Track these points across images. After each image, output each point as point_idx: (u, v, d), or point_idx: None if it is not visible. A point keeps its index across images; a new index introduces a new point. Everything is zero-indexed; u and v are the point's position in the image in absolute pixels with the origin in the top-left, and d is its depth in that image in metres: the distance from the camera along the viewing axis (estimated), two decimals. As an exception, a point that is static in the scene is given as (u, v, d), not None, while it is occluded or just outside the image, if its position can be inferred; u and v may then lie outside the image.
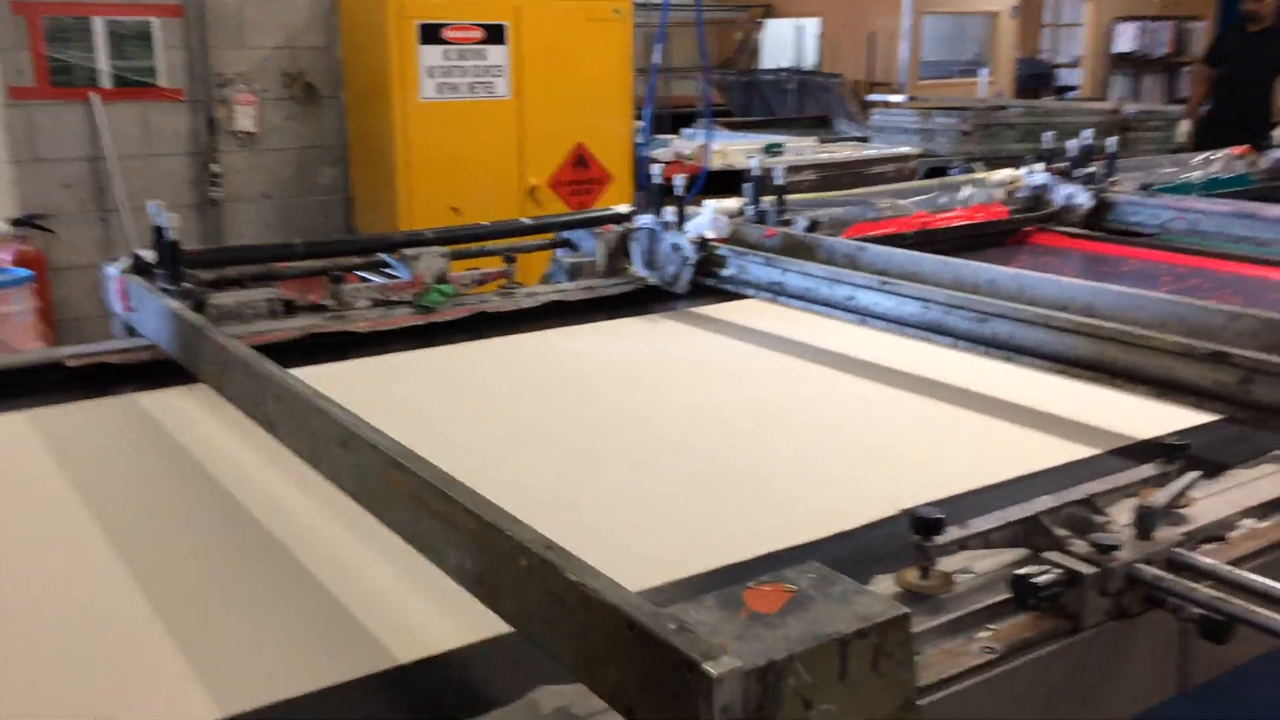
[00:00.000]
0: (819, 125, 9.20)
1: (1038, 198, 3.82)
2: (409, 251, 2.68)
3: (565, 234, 3.11)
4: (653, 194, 2.96)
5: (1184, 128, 7.78)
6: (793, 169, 6.14)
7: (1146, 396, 1.88)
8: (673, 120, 9.57)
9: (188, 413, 2.04)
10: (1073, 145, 3.76)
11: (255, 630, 1.30)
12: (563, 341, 2.64)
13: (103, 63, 5.04)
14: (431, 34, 4.87)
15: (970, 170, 4.63)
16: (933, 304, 2.25)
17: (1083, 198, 3.68)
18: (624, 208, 3.06)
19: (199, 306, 2.17)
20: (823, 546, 1.53)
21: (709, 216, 3.13)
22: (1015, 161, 4.68)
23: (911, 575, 1.25)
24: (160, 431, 1.96)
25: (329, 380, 2.35)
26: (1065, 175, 3.79)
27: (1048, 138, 3.93)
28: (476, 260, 2.91)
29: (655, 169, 2.93)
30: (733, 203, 3.30)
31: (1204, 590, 1.18)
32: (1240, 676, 1.37)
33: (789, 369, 2.38)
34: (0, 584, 1.44)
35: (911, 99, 9.36)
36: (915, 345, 2.29)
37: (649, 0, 5.73)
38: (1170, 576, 1.21)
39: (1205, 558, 1.27)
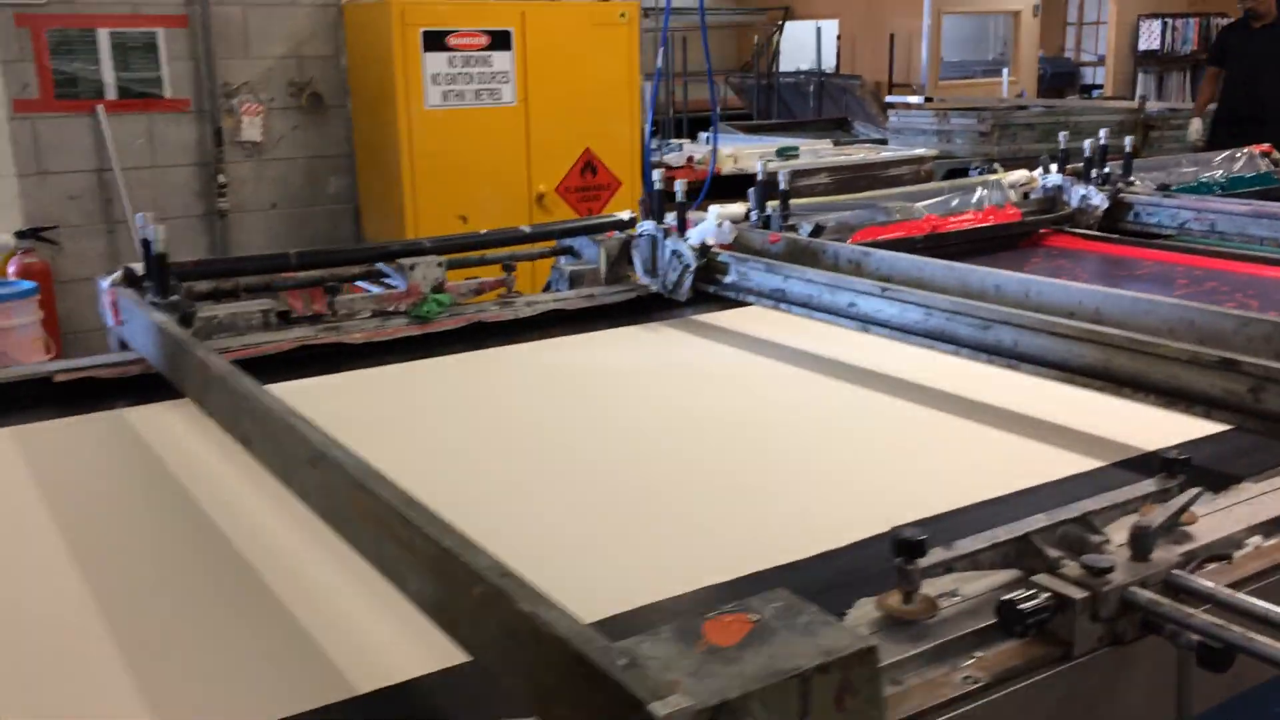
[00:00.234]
0: (837, 128, 9.12)
1: (1052, 199, 3.75)
2: (405, 261, 2.64)
3: (568, 241, 3.07)
4: (655, 200, 2.91)
5: (1195, 126, 7.65)
6: (807, 172, 6.10)
7: (1154, 406, 1.81)
8: (689, 124, 9.53)
9: (172, 428, 2.01)
10: (1088, 145, 3.68)
11: (212, 657, 1.26)
12: (560, 351, 2.60)
13: (108, 74, 5.04)
14: (436, 41, 4.84)
15: (991, 171, 4.54)
16: (935, 310, 2.18)
17: (1098, 199, 3.61)
18: (626, 214, 3.02)
19: (185, 320, 2.14)
20: (811, 566, 1.48)
21: (713, 222, 3.08)
22: (1034, 163, 4.60)
23: (894, 600, 1.19)
24: (143, 448, 1.93)
25: (322, 393, 2.33)
26: (1081, 176, 3.71)
27: (1063, 138, 3.85)
28: (475, 269, 2.87)
29: (656, 174, 2.88)
30: (738, 208, 3.25)
31: (1201, 616, 1.12)
32: (1245, 703, 1.30)
33: (788, 378, 2.33)
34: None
35: (928, 100, 9.25)
36: (919, 353, 2.23)
37: (663, 5, 5.67)
38: (1166, 601, 1.15)
39: (1205, 580, 1.21)
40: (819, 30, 13.32)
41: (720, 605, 1.00)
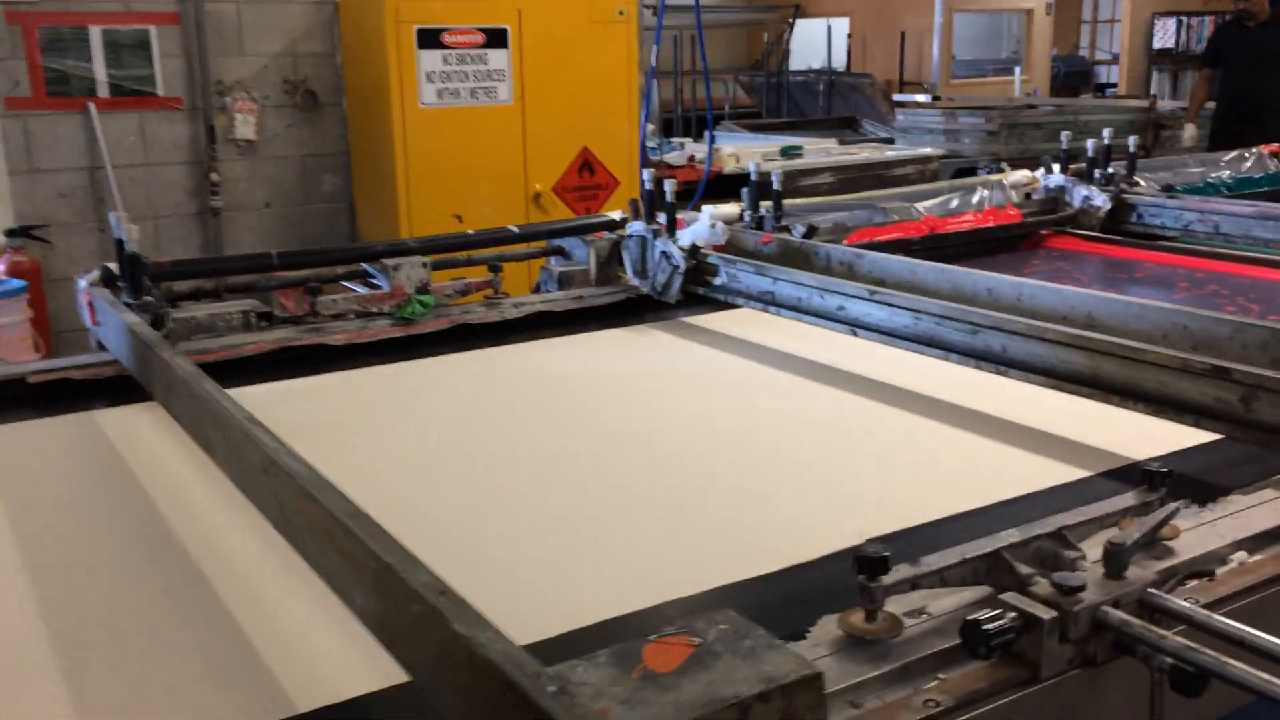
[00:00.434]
0: (845, 127, 9.06)
1: (1054, 200, 3.69)
2: (389, 261, 2.60)
3: (558, 242, 3.03)
4: (645, 200, 2.86)
5: (1189, 133, 7.56)
6: (810, 172, 6.05)
7: (1144, 414, 1.76)
8: (698, 123, 9.48)
9: (141, 432, 1.98)
10: (1089, 145, 3.63)
11: (153, 668, 1.22)
12: (546, 354, 2.56)
13: (100, 72, 5.01)
14: (430, 39, 4.79)
15: (998, 171, 4.48)
16: (924, 315, 2.14)
17: (1100, 200, 3.55)
18: (617, 214, 2.97)
19: (157, 321, 2.11)
20: (782, 579, 1.44)
21: (706, 223, 3.03)
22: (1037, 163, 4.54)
23: (856, 618, 1.15)
24: (109, 451, 1.90)
25: (303, 395, 2.30)
26: (1084, 176, 3.66)
27: (1065, 138, 3.79)
28: (464, 270, 2.83)
29: (646, 174, 2.84)
30: (731, 208, 3.20)
31: (1174, 639, 1.07)
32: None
33: (775, 383, 2.28)
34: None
35: (936, 99, 9.17)
36: (908, 357, 2.18)
37: (670, 2, 5.62)
38: (1138, 622, 1.10)
39: (1180, 600, 1.16)
40: (829, 28, 13.26)
41: (682, 620, 0.96)
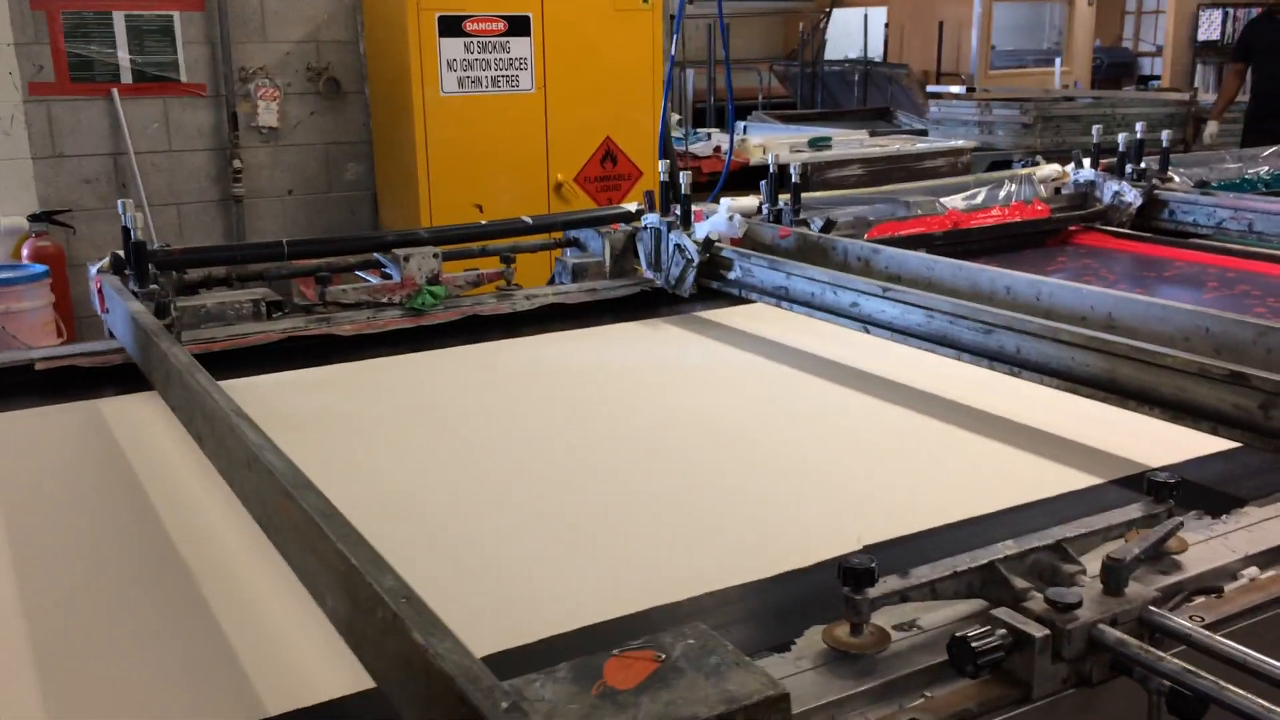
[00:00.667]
0: (879, 118, 8.94)
1: (1084, 195, 3.61)
2: (400, 251, 2.58)
3: (574, 233, 3.00)
4: (662, 191, 2.82)
5: (1211, 129, 7.36)
6: (838, 164, 5.97)
7: (1160, 419, 1.71)
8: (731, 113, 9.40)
9: (141, 422, 1.97)
10: (1121, 139, 3.54)
11: (127, 663, 1.20)
12: (556, 347, 2.53)
13: (124, 58, 5.02)
14: (452, 26, 4.76)
15: (1033, 164, 4.41)
16: (936, 313, 2.09)
17: (1131, 195, 3.47)
18: (632, 205, 2.93)
19: (161, 310, 2.10)
20: (775, 586, 1.40)
21: (724, 215, 2.99)
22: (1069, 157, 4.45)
23: (841, 630, 1.11)
24: (108, 440, 1.89)
25: (308, 386, 2.29)
26: (1115, 171, 3.57)
27: (1096, 131, 3.70)
28: (475, 260, 2.81)
29: (662, 165, 2.80)
30: (750, 201, 3.16)
31: (1171, 661, 1.02)
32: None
33: (784, 380, 2.24)
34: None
35: (970, 90, 9.04)
36: (922, 356, 2.13)
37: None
38: (1135, 642, 1.06)
39: (1182, 620, 1.11)
40: (866, 17, 13.10)
41: (649, 635, 0.93)
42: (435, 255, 2.60)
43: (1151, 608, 1.12)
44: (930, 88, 9.80)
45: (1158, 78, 15.61)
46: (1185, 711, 1.01)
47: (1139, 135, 3.50)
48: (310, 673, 1.19)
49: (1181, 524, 1.24)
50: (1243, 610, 1.22)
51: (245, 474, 1.35)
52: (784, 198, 3.01)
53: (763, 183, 3.03)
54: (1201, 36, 15.53)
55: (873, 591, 1.10)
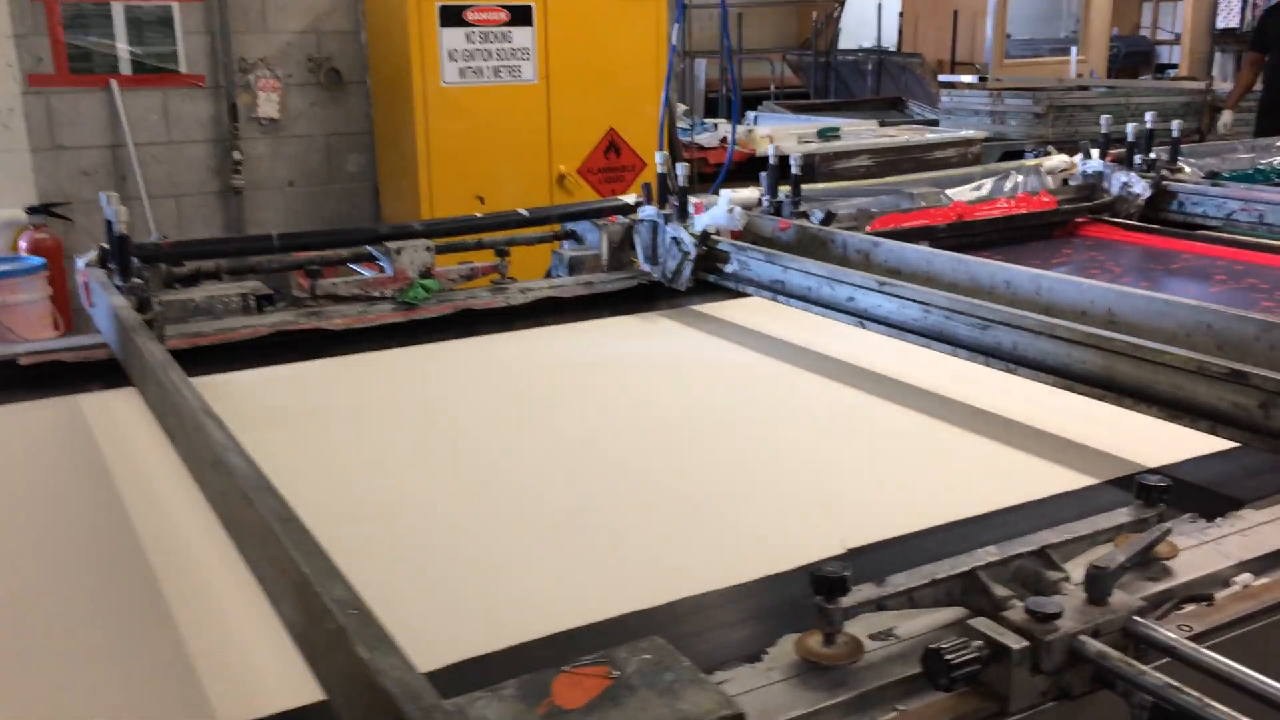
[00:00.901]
0: (891, 108, 8.87)
1: (1092, 186, 3.55)
2: (392, 244, 2.55)
3: (571, 225, 2.96)
4: (660, 183, 2.78)
5: (1225, 119, 7.21)
6: (847, 154, 5.91)
7: (1158, 418, 1.66)
8: (743, 103, 9.34)
9: (121, 418, 1.94)
10: (1130, 129, 3.48)
11: (79, 667, 1.18)
12: (549, 341, 2.49)
13: (123, 49, 4.99)
14: (453, 16, 4.71)
15: (1045, 155, 4.35)
16: (934, 308, 2.04)
17: (1139, 186, 3.41)
18: (630, 198, 2.89)
19: (143, 304, 2.07)
20: (758, 590, 1.36)
21: (724, 207, 2.95)
22: (1094, 145, 4.38)
23: (814, 640, 1.07)
24: (85, 437, 1.86)
25: (297, 381, 2.26)
26: (1124, 162, 3.51)
27: (1105, 121, 3.64)
28: (469, 254, 2.77)
29: (659, 156, 2.75)
30: (750, 193, 3.11)
31: (1153, 675, 0.98)
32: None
33: (779, 377, 2.20)
34: None
35: (982, 80, 8.94)
36: (920, 352, 2.09)
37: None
38: (1116, 654, 1.02)
39: (1167, 630, 1.07)
40: (880, 6, 13.00)
41: (603, 650, 0.89)
42: (428, 248, 2.57)
43: (1136, 618, 1.08)
44: (942, 77, 9.71)
45: (1176, 66, 15.44)
46: (1168, 728, 0.97)
47: (1149, 125, 3.43)
48: (267, 682, 1.16)
49: (1170, 530, 1.19)
50: (1234, 620, 1.18)
51: (211, 474, 1.32)
52: (785, 190, 2.96)
53: (762, 174, 2.98)
54: (1220, 24, 15.34)
55: (846, 600, 1.06)
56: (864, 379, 2.13)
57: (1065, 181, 3.65)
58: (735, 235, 2.89)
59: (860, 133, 6.34)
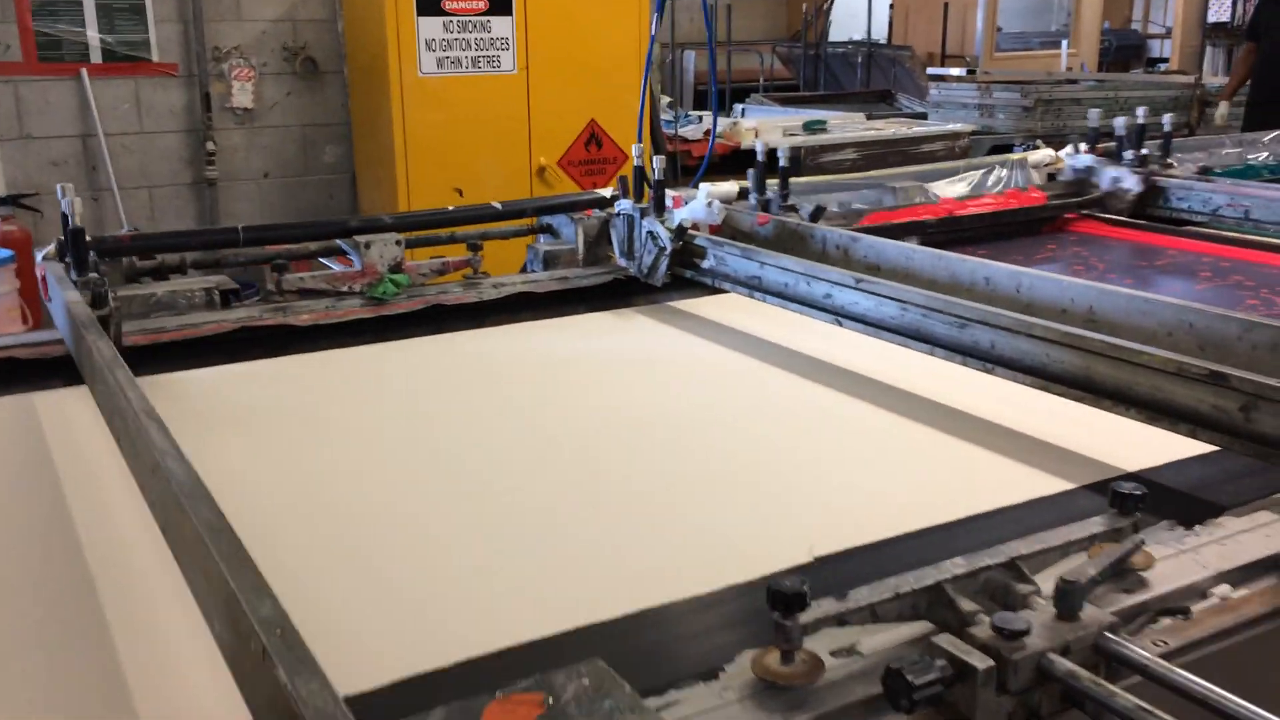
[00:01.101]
0: (881, 100, 8.82)
1: (1082, 182, 3.50)
2: (361, 238, 2.49)
3: (548, 219, 2.91)
4: (636, 176, 2.73)
5: (1221, 111, 7.14)
6: (833, 148, 5.86)
7: (1137, 420, 1.62)
8: (732, 95, 9.29)
9: (72, 417, 1.88)
10: (1119, 123, 3.43)
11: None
12: (522, 338, 2.44)
13: (93, 37, 4.90)
14: (430, 4, 4.62)
15: (1034, 149, 4.31)
16: (911, 306, 1.99)
17: (1130, 182, 3.35)
18: (607, 191, 2.84)
19: (98, 300, 2.01)
20: (720, 600, 1.31)
21: (702, 201, 2.90)
22: (1083, 139, 4.33)
23: (771, 658, 1.02)
24: (34, 436, 1.81)
25: (262, 378, 2.20)
26: (1113, 157, 3.46)
27: (1094, 115, 3.59)
28: (442, 248, 2.72)
29: (635, 149, 2.70)
30: (729, 186, 3.07)
31: (1124, 697, 0.94)
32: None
33: (752, 375, 2.15)
34: None
35: (971, 72, 8.89)
36: (898, 350, 2.04)
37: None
38: (1086, 674, 0.97)
39: (1139, 648, 1.02)
40: (870, -1, 12.93)
41: (539, 675, 0.84)
42: (398, 242, 2.51)
43: (1108, 634, 1.03)
44: (931, 70, 9.67)
45: (1167, 60, 15.41)
46: (1138, 752, 0.93)
47: (1140, 120, 3.38)
48: (202, 702, 1.11)
49: (1143, 542, 1.15)
50: (1211, 635, 1.13)
51: (150, 479, 1.27)
52: (773, 184, 2.91)
53: (750, 170, 2.93)
54: (1211, 18, 15.32)
55: (805, 616, 1.01)
56: (840, 378, 2.09)
57: (1053, 177, 3.61)
58: (714, 230, 2.84)
59: (847, 126, 6.29)
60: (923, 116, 7.67)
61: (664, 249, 2.58)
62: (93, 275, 2.05)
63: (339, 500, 1.59)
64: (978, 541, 1.39)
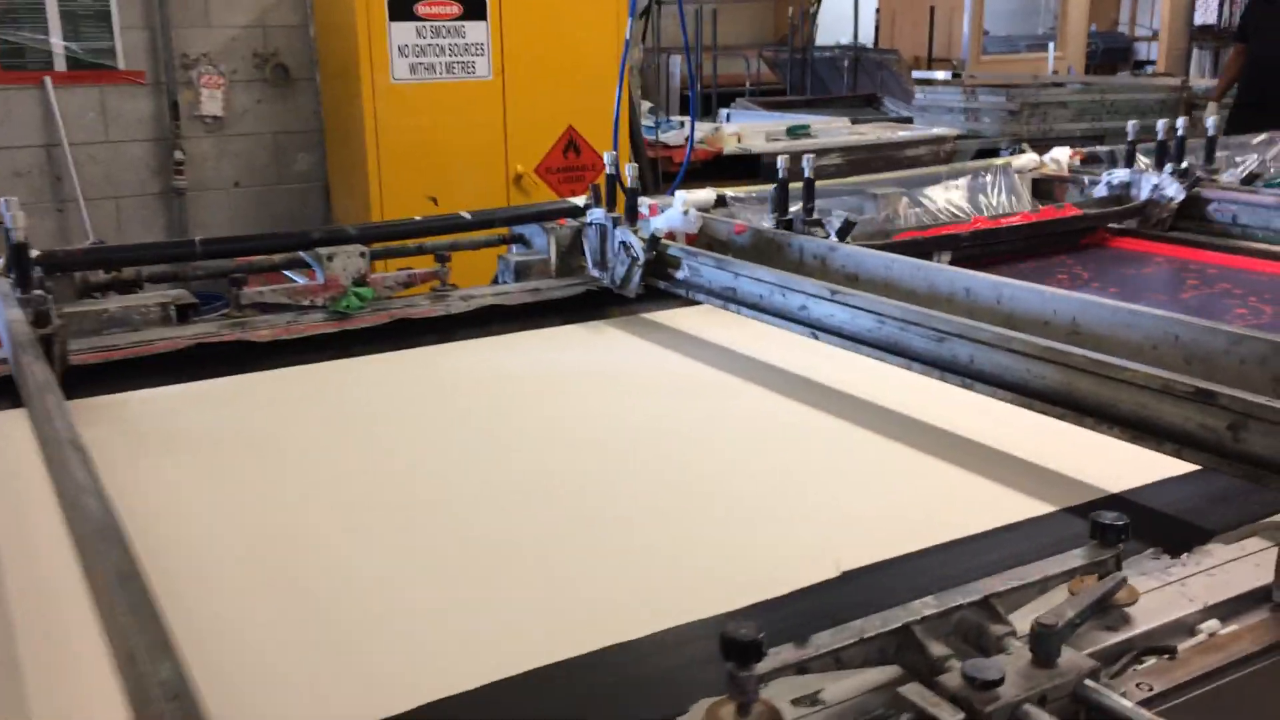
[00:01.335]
0: (866, 105, 8.76)
1: (1119, 195, 3.32)
2: (323, 250, 2.42)
3: (520, 229, 2.83)
4: (608, 184, 2.66)
5: (1210, 110, 7.05)
6: (816, 153, 5.77)
7: (1120, 439, 1.55)
8: (718, 100, 9.22)
9: (18, 440, 1.79)
10: (1161, 126, 3.24)
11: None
12: (491, 352, 2.37)
13: (57, 44, 4.80)
14: (402, 9, 4.55)
15: (1020, 152, 4.25)
16: (888, 319, 1.92)
17: (1172, 190, 3.19)
18: (580, 200, 2.77)
19: (41, 318, 1.93)
20: (677, 639, 1.24)
21: (679, 210, 2.83)
22: (1070, 143, 4.27)
23: (726, 711, 0.95)
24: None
25: (219, 397, 2.12)
26: (1156, 165, 3.26)
27: (1132, 127, 3.39)
28: (410, 259, 2.64)
29: (607, 156, 2.63)
30: (706, 194, 3.00)
31: (1103, 754, 0.87)
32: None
33: (723, 391, 2.08)
34: None
35: (956, 76, 8.85)
36: (873, 365, 1.97)
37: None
38: (1063, 728, 0.90)
39: (1123, 695, 0.95)
40: (856, 3, 12.90)
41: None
42: (363, 254, 2.44)
43: (1088, 681, 0.96)
44: (916, 74, 9.62)
45: (1154, 62, 15.41)
46: (1120, 814, 0.86)
47: (1180, 130, 3.20)
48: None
49: (1125, 580, 1.07)
50: (1199, 675, 1.06)
51: (70, 514, 1.19)
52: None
53: (772, 189, 2.75)
54: (1198, 20, 15.33)
55: (762, 666, 0.94)
56: (815, 393, 2.01)
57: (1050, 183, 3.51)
58: (691, 239, 2.77)
59: (832, 130, 6.22)
60: (909, 121, 7.61)
61: (637, 259, 2.50)
62: (37, 293, 1.97)
63: (283, 533, 1.51)
64: (952, 570, 1.32)
